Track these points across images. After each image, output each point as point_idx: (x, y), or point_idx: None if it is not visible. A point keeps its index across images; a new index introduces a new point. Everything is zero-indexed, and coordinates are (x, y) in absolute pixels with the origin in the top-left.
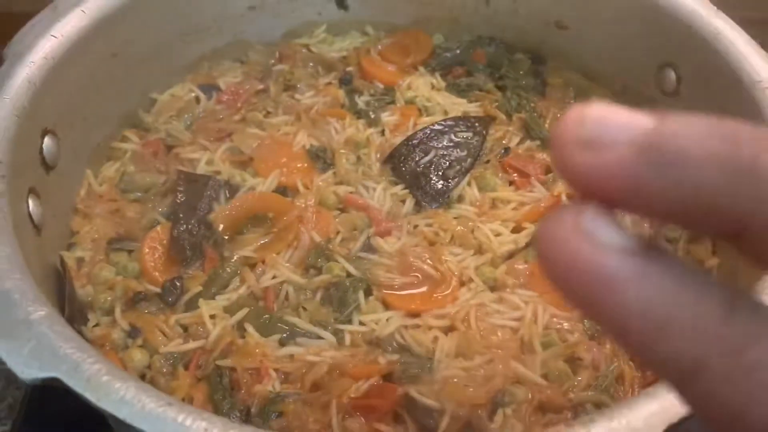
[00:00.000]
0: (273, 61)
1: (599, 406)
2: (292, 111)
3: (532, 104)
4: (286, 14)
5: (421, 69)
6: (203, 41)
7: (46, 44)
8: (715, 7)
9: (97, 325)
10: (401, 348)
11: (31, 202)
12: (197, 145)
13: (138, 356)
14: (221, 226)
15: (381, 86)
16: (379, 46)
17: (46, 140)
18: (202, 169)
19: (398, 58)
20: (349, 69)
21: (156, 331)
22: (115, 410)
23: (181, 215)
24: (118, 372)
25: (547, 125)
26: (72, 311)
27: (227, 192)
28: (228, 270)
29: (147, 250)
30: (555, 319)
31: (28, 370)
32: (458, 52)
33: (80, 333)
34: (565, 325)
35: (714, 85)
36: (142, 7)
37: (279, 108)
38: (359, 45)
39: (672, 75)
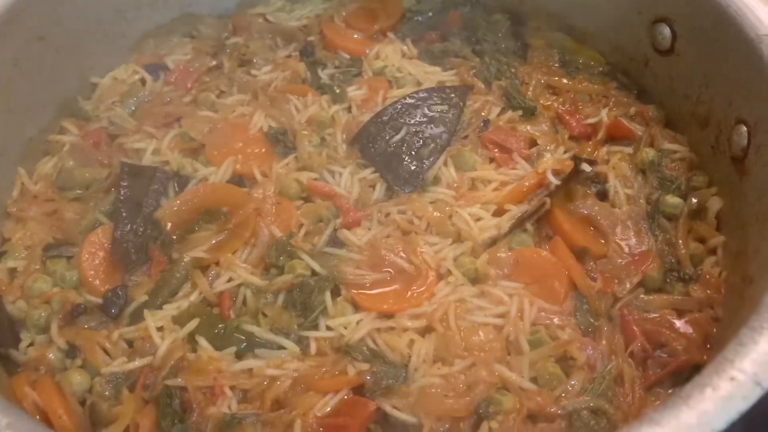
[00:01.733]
0: (226, 34)
1: (597, 413)
2: (248, 89)
3: (513, 70)
4: None
5: (391, 35)
6: (146, 17)
7: None
8: None
9: (31, 344)
10: (373, 355)
11: None
12: (143, 133)
13: (77, 379)
14: (169, 225)
15: (346, 57)
16: (343, 13)
17: None
18: (148, 159)
19: (365, 25)
20: (311, 39)
21: (97, 349)
22: None
23: (124, 214)
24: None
25: (530, 92)
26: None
27: (176, 185)
28: (177, 274)
29: (86, 255)
30: (543, 314)
31: None
32: (430, 15)
33: (9, 356)
34: (555, 320)
35: (713, 41)
36: None
37: (234, 86)
38: (321, 12)
39: (666, 31)
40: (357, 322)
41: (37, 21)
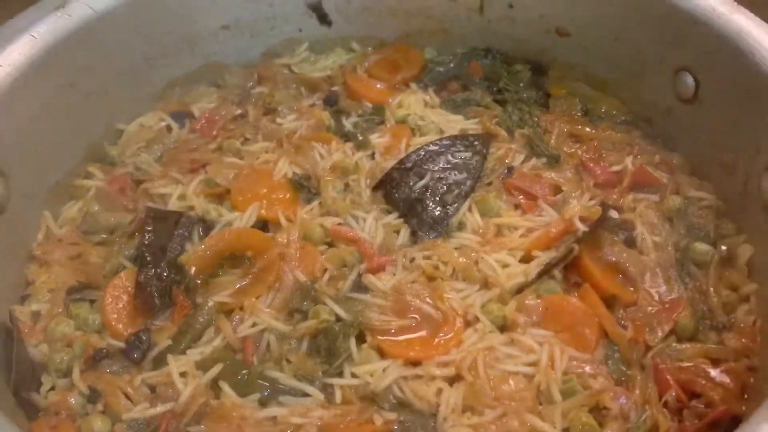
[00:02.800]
0: (251, 83)
1: None
2: (272, 137)
3: (536, 118)
4: (263, 33)
5: (413, 86)
6: (173, 65)
7: None
8: (735, 2)
9: (52, 389)
10: (400, 404)
11: None
12: (168, 178)
13: (98, 425)
14: (193, 269)
15: (369, 106)
16: (366, 64)
17: None
18: (173, 204)
19: (387, 75)
20: (335, 89)
21: (119, 394)
22: None
23: (148, 258)
24: None
25: (552, 141)
26: (21, 375)
27: (201, 230)
28: (201, 319)
29: (110, 299)
30: (575, 363)
31: None
32: (452, 65)
33: (30, 400)
34: (587, 368)
35: (738, 89)
36: (102, 31)
37: (258, 134)
38: (345, 62)
39: (689, 80)
40: (383, 370)
41: (69, 68)
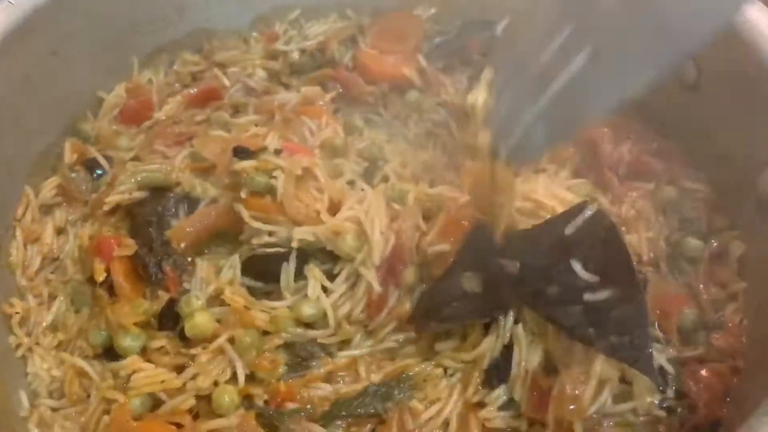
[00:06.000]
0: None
1: None
2: (264, 109)
3: None
4: None
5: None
6: (160, 31)
7: None
8: None
9: None
10: None
11: None
12: (155, 152)
13: None
14: (183, 244)
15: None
16: (368, 38)
17: None
18: None
19: (396, 46)
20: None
21: None
22: None
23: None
24: None
25: None
26: None
27: (186, 206)
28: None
29: None
30: None
31: None
32: (451, 37)
33: None
34: None
35: (740, 80)
36: None
37: (250, 105)
38: (339, 29)
39: (692, 66)
40: None
41: (51, 36)
